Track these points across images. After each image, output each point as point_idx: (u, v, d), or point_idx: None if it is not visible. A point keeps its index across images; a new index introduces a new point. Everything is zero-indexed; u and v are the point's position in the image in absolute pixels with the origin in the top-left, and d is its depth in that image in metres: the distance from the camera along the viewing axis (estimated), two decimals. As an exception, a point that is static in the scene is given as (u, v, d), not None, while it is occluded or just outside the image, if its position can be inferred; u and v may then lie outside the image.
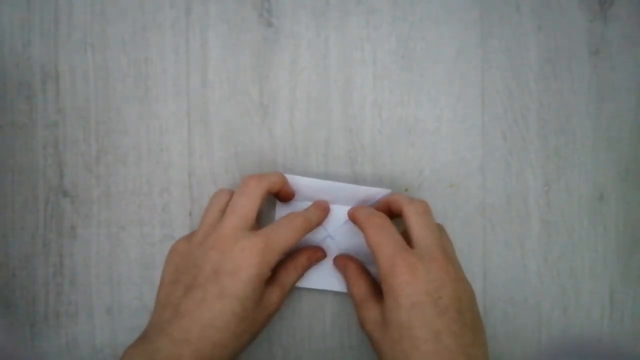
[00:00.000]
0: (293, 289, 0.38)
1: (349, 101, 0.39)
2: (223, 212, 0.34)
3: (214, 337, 0.30)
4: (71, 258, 0.39)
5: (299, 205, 0.38)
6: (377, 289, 0.35)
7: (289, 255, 0.37)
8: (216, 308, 0.31)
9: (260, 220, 0.38)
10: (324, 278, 0.38)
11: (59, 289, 0.39)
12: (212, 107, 0.39)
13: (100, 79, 0.39)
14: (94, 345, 0.39)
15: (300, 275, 0.37)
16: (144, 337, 0.31)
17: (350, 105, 0.39)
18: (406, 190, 0.39)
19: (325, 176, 0.39)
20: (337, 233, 0.38)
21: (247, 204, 0.33)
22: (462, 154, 0.39)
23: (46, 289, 0.39)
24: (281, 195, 0.37)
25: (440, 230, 0.34)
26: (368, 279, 0.36)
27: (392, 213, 0.36)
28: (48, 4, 0.39)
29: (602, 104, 0.39)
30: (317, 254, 0.37)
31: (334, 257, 0.38)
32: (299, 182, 0.37)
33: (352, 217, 0.36)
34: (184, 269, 0.33)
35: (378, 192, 0.37)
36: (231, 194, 0.35)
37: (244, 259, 0.32)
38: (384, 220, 0.34)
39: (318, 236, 0.38)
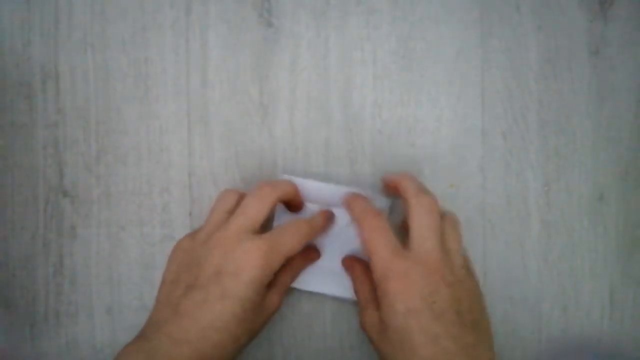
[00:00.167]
0: (293, 290, 0.38)
1: (349, 101, 0.39)
2: (230, 212, 0.34)
3: (214, 337, 0.30)
4: (71, 258, 0.39)
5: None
6: None
7: None
8: (217, 309, 0.31)
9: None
10: (323, 281, 0.38)
11: (59, 289, 0.39)
12: (212, 107, 0.39)
13: (100, 79, 0.39)
14: (94, 345, 0.39)
15: (296, 276, 0.37)
16: (142, 335, 0.31)
17: (350, 105, 0.39)
18: (406, 190, 0.39)
19: (325, 176, 0.39)
20: (338, 236, 0.38)
21: (258, 208, 0.33)
22: (462, 154, 0.39)
23: (46, 289, 0.39)
24: (291, 205, 0.37)
25: (450, 226, 0.33)
26: (373, 281, 0.36)
27: (397, 194, 0.35)
28: (48, 4, 0.39)
29: (602, 104, 0.39)
30: (311, 254, 0.37)
31: (340, 258, 0.38)
32: (301, 185, 0.37)
33: (346, 206, 0.35)
34: (185, 267, 0.33)
35: (381, 200, 0.37)
36: (238, 195, 0.35)
37: (247, 260, 0.31)
38: (379, 220, 0.33)
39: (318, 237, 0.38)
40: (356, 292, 0.36)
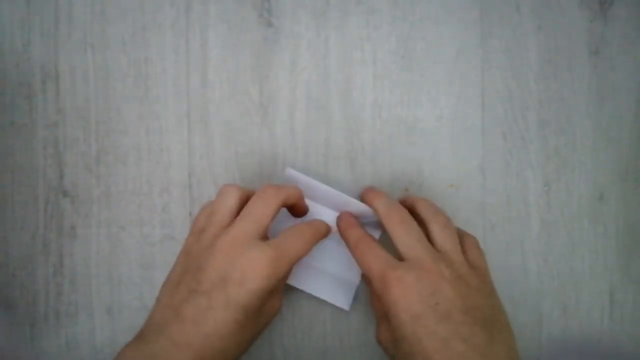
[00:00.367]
0: (293, 290, 0.38)
1: (349, 101, 0.39)
2: (233, 213, 0.33)
3: (216, 344, 0.30)
4: (71, 258, 0.39)
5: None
6: None
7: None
8: (221, 317, 0.30)
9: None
10: (317, 283, 0.38)
11: (59, 289, 0.39)
12: (212, 107, 0.39)
13: (100, 79, 0.39)
14: (94, 345, 0.39)
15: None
16: (142, 337, 0.31)
17: (350, 105, 0.39)
18: (406, 190, 0.39)
19: (325, 176, 0.39)
20: (339, 241, 0.37)
21: (264, 211, 0.33)
22: (462, 154, 0.39)
23: (46, 289, 0.39)
24: (295, 209, 0.36)
25: (471, 243, 0.35)
26: None
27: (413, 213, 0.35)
28: (48, 4, 0.39)
29: (602, 104, 0.39)
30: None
31: (339, 263, 0.38)
32: (305, 183, 0.37)
33: (340, 231, 0.36)
34: (188, 270, 0.32)
35: (376, 226, 0.37)
36: (240, 191, 0.34)
37: (253, 269, 0.31)
38: (369, 241, 0.34)
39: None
40: (373, 308, 0.36)
